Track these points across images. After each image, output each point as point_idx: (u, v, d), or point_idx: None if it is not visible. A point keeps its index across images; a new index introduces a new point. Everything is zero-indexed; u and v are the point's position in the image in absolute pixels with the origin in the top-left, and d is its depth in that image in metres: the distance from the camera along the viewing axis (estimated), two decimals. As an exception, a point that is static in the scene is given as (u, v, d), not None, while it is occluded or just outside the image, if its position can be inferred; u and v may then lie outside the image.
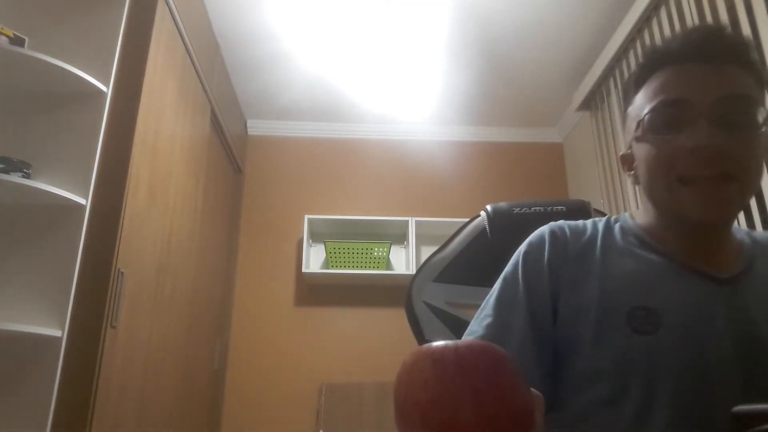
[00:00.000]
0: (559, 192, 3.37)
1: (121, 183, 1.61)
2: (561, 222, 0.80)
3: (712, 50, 0.68)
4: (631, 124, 0.75)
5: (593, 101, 2.94)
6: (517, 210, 1.06)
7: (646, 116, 0.69)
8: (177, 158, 2.09)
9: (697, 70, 0.68)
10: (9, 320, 1.39)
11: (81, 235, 1.51)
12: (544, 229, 0.80)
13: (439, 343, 0.41)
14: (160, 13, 1.86)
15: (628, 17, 2.45)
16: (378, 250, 3.01)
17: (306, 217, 3.11)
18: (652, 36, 2.36)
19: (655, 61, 0.72)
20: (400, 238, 3.17)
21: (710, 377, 0.64)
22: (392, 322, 2.96)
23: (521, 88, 3.08)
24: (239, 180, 3.29)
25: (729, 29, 0.71)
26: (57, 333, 1.41)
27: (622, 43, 2.51)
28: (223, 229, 2.93)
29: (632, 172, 0.77)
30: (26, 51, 1.54)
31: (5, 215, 1.52)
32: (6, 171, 1.45)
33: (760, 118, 0.66)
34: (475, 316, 0.76)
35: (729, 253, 0.73)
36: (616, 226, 0.79)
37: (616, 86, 2.69)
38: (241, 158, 3.28)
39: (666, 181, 0.68)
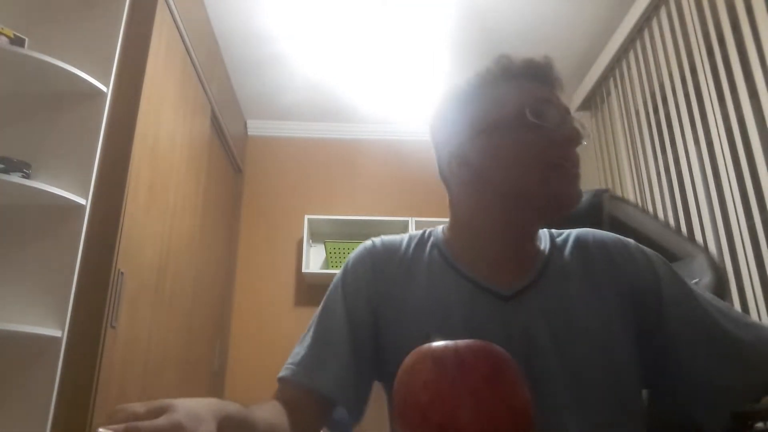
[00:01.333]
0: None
1: (121, 183, 1.61)
2: (381, 237, 0.84)
3: (553, 75, 0.78)
4: (472, 122, 0.75)
5: (593, 101, 2.93)
6: None
7: (523, 108, 0.72)
8: (177, 158, 2.09)
9: (545, 86, 0.76)
10: (9, 320, 1.39)
11: (81, 235, 1.51)
12: (366, 243, 0.83)
13: (439, 344, 0.41)
14: (160, 13, 1.86)
15: (628, 17, 2.45)
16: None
17: (306, 217, 3.11)
18: (651, 36, 2.36)
19: (501, 73, 0.78)
20: (400, 238, 3.16)
21: None
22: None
23: (521, 88, 3.08)
24: (239, 180, 3.29)
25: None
26: (57, 333, 1.41)
27: (622, 43, 2.51)
28: (223, 229, 2.93)
29: (461, 172, 0.76)
30: (26, 51, 1.54)
31: (5, 215, 1.52)
32: (6, 171, 1.45)
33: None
34: (301, 337, 0.79)
35: (527, 263, 0.75)
36: (429, 241, 0.81)
37: (616, 86, 2.69)
38: (241, 158, 3.28)
39: (540, 167, 0.70)
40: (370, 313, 0.75)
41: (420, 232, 0.84)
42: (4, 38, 1.52)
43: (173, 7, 1.98)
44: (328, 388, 0.70)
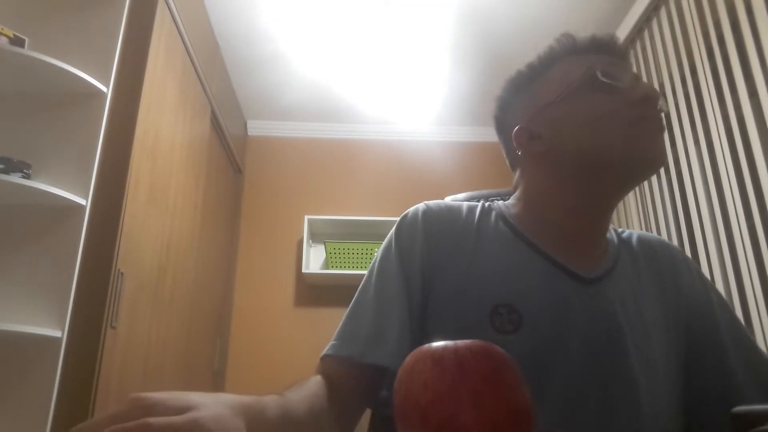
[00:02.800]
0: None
1: (121, 183, 1.61)
2: (436, 202, 0.80)
3: (618, 48, 0.74)
4: (544, 94, 0.73)
5: (593, 101, 2.93)
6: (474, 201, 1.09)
7: (593, 71, 0.69)
8: (177, 158, 2.09)
9: (614, 59, 0.73)
10: (9, 320, 1.39)
11: (81, 235, 1.51)
12: (418, 206, 0.79)
13: (439, 344, 0.41)
14: (160, 13, 1.86)
15: (627, 17, 2.45)
16: (378, 251, 3.00)
17: (306, 217, 3.11)
18: (651, 36, 2.36)
19: (564, 49, 0.75)
20: (400, 238, 3.16)
21: (569, 381, 0.64)
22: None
23: (521, 88, 3.08)
24: (239, 180, 3.29)
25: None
26: (57, 333, 1.41)
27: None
28: (223, 229, 2.93)
29: (532, 144, 0.74)
30: (26, 51, 1.54)
31: (5, 215, 1.52)
32: (6, 171, 1.45)
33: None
34: (354, 300, 0.75)
35: (601, 249, 0.73)
36: (493, 212, 0.77)
37: (616, 86, 2.69)
38: (241, 158, 3.28)
39: (622, 126, 0.67)
40: (423, 279, 0.70)
41: (477, 203, 0.80)
42: (4, 38, 1.52)
43: (173, 7, 1.98)
44: (387, 359, 0.64)
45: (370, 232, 3.17)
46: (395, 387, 0.41)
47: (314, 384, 0.62)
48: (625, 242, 0.77)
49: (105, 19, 1.71)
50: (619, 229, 0.80)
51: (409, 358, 0.42)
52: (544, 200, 0.73)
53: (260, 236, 3.24)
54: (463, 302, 0.67)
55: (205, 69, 2.42)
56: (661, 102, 0.69)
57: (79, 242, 1.51)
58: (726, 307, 0.74)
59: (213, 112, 2.60)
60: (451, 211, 0.77)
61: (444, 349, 0.40)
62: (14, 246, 1.51)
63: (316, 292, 3.12)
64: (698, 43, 2.04)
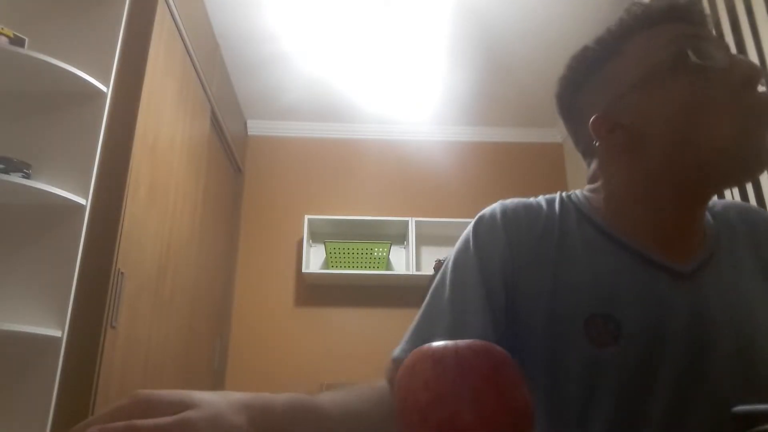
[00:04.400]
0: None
1: (121, 183, 1.61)
2: (513, 201, 0.72)
3: (695, 12, 0.66)
4: (621, 78, 0.65)
5: (593, 101, 2.93)
6: None
7: (683, 48, 0.61)
8: (177, 158, 2.09)
9: (696, 28, 0.65)
10: (9, 320, 1.39)
11: (81, 235, 1.51)
12: (495, 206, 0.72)
13: (439, 344, 0.41)
14: (160, 13, 1.86)
15: (628, 17, 2.45)
16: (378, 251, 3.01)
17: (306, 217, 3.11)
18: (652, 36, 2.36)
19: (637, 21, 0.66)
20: (400, 239, 3.17)
21: (678, 387, 0.59)
22: (392, 322, 2.96)
23: (521, 88, 3.08)
24: (239, 180, 3.29)
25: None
26: (57, 333, 1.41)
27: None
28: (223, 229, 2.93)
29: (612, 135, 0.66)
30: (26, 51, 1.54)
31: (5, 215, 1.52)
32: (6, 171, 1.45)
33: None
34: (427, 301, 0.67)
35: (698, 234, 0.66)
36: (572, 209, 0.70)
37: (616, 86, 2.69)
38: (241, 158, 3.28)
39: (737, 116, 0.59)
40: (505, 284, 0.64)
41: (555, 197, 0.72)
42: (4, 38, 1.52)
43: (173, 7, 1.98)
44: None
45: (370, 232, 3.17)
46: (396, 387, 0.41)
47: (368, 387, 0.58)
48: (721, 218, 0.69)
49: (105, 19, 1.71)
50: (715, 202, 0.73)
51: (409, 358, 0.42)
52: (630, 195, 0.66)
53: (260, 236, 3.24)
54: (553, 312, 0.62)
55: (205, 69, 2.42)
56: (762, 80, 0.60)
57: (79, 242, 1.51)
58: None
59: (213, 112, 2.60)
60: (531, 210, 0.69)
61: (444, 348, 0.40)
62: (14, 246, 1.51)
63: (316, 292, 3.12)
64: (698, 43, 2.04)
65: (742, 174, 0.63)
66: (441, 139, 3.49)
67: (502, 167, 3.46)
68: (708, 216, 0.69)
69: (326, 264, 3.06)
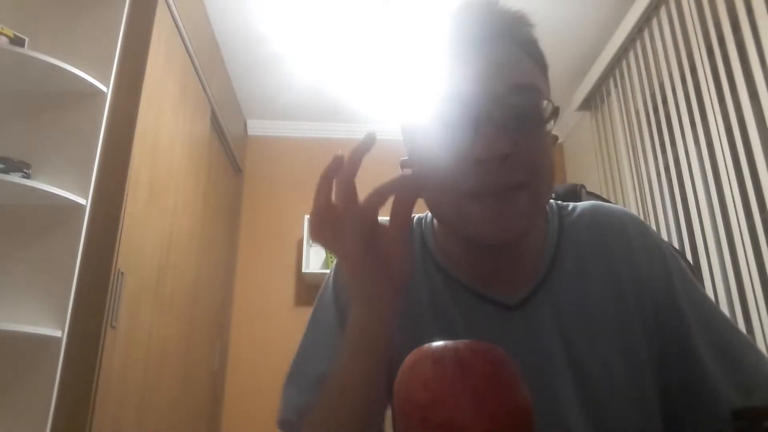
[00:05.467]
0: (559, 192, 3.38)
1: (121, 183, 1.61)
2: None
3: (488, 29, 0.56)
4: (406, 130, 0.65)
5: (593, 101, 2.94)
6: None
7: (420, 124, 0.58)
8: (177, 158, 2.10)
9: (474, 58, 0.55)
10: (9, 320, 1.39)
11: (81, 235, 1.51)
12: None
13: (439, 344, 0.41)
14: (160, 13, 1.86)
15: (628, 17, 2.45)
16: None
17: (306, 217, 3.11)
18: (651, 36, 2.36)
19: (428, 53, 0.61)
20: (400, 238, 3.16)
21: None
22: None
23: (521, 88, 3.08)
24: (239, 180, 3.29)
25: (500, 4, 0.58)
26: (57, 333, 1.41)
27: (622, 43, 2.51)
28: (223, 229, 2.93)
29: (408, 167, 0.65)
30: (26, 51, 1.54)
31: (5, 215, 1.52)
32: (6, 171, 1.45)
33: (546, 112, 0.55)
34: (301, 340, 0.72)
35: (525, 264, 0.63)
36: (417, 234, 0.68)
37: (616, 86, 2.69)
38: (241, 158, 3.28)
39: (453, 200, 0.56)
40: None
41: (415, 218, 0.70)
42: (4, 38, 1.52)
43: (173, 7, 1.98)
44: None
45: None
46: (395, 387, 0.41)
47: None
48: (569, 233, 0.65)
49: (105, 19, 1.71)
50: (575, 207, 0.68)
51: (409, 358, 0.42)
52: (446, 236, 0.65)
53: (260, 236, 3.24)
54: (402, 343, 0.62)
55: (205, 69, 2.42)
56: (514, 156, 0.52)
57: (79, 242, 1.51)
58: (690, 286, 0.63)
59: (213, 112, 2.60)
60: None
61: (444, 348, 0.40)
62: (14, 246, 1.51)
63: (316, 292, 3.09)
64: (698, 43, 2.04)
65: (472, 247, 0.61)
66: (441, 139, 3.49)
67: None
68: (555, 224, 0.66)
69: (326, 264, 3.06)
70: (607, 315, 0.60)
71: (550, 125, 0.56)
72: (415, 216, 0.71)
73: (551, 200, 0.69)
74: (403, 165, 0.65)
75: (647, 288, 0.62)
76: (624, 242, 0.64)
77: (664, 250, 0.65)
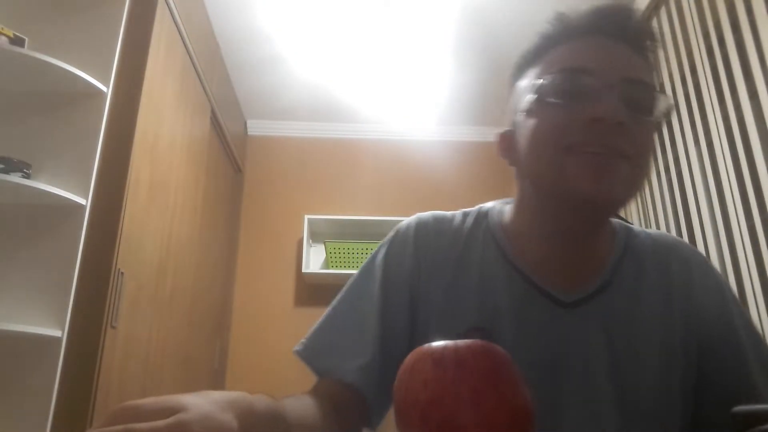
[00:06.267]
0: (559, 192, 3.38)
1: (121, 183, 1.61)
2: (431, 213, 0.75)
3: (623, 30, 0.62)
4: (518, 99, 0.66)
5: (593, 101, 2.93)
6: None
7: (541, 83, 0.61)
8: (177, 158, 2.09)
9: (606, 45, 0.61)
10: (9, 320, 1.39)
11: (81, 235, 1.51)
12: (411, 218, 0.75)
13: (439, 343, 0.41)
14: (160, 13, 1.86)
15: (628, 17, 2.44)
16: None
17: (306, 217, 3.11)
18: (652, 36, 2.36)
19: (560, 32, 0.64)
20: (400, 238, 3.16)
21: (541, 409, 0.60)
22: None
23: (521, 88, 3.08)
24: (239, 180, 3.29)
25: (640, 13, 0.65)
26: (57, 333, 1.41)
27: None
28: (223, 229, 2.93)
29: (509, 153, 0.68)
30: (26, 51, 1.54)
31: (5, 215, 1.52)
32: (6, 171, 1.45)
33: (657, 110, 0.61)
34: (334, 302, 0.73)
35: (590, 268, 0.65)
36: (483, 224, 0.71)
37: (616, 86, 2.69)
38: (241, 158, 3.28)
39: (553, 152, 0.59)
40: (411, 295, 0.68)
41: (476, 209, 0.74)
42: (4, 38, 1.52)
43: (173, 7, 1.98)
44: (349, 377, 0.62)
45: (370, 232, 3.17)
46: (395, 386, 0.41)
47: (310, 400, 0.60)
48: (635, 252, 0.68)
49: (105, 19, 1.71)
50: (643, 232, 0.72)
51: (409, 358, 0.42)
52: (523, 217, 0.68)
53: (260, 236, 3.24)
54: (443, 321, 0.65)
55: (205, 69, 2.42)
56: (617, 120, 0.56)
57: (79, 242, 1.50)
58: (747, 323, 0.67)
59: (213, 112, 2.60)
60: (442, 223, 0.72)
61: (444, 348, 0.40)
62: (14, 246, 1.51)
63: (316, 292, 3.12)
64: (698, 43, 2.04)
65: (575, 210, 0.60)
66: (441, 139, 3.49)
67: (503, 167, 3.43)
68: (622, 244, 0.68)
69: (326, 264, 3.06)
70: (652, 338, 0.63)
71: (658, 116, 0.61)
72: (478, 207, 0.75)
73: (620, 221, 0.73)
74: (502, 138, 0.69)
75: (700, 322, 0.65)
76: (685, 275, 0.67)
77: (725, 290, 0.69)
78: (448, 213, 0.75)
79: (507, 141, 0.68)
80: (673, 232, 2.22)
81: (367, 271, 0.72)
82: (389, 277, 0.69)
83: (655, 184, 2.34)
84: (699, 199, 2.04)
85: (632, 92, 0.58)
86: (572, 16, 0.64)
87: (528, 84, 0.65)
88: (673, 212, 2.24)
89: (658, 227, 2.28)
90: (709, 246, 1.97)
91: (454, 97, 3.18)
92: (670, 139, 2.25)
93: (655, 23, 2.33)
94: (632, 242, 0.69)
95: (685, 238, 2.13)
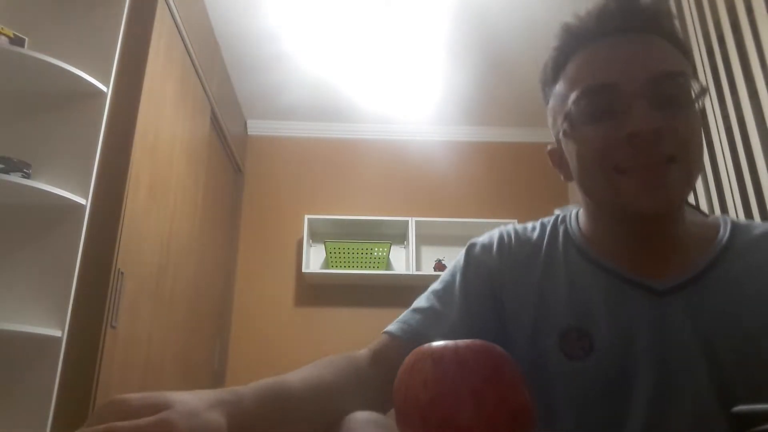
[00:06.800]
0: (559, 192, 3.37)
1: (121, 183, 1.61)
2: (511, 226, 0.78)
3: (633, 21, 0.61)
4: (556, 118, 0.67)
5: (593, 101, 2.93)
6: None
7: (571, 108, 0.61)
8: (177, 158, 2.09)
9: (621, 46, 0.60)
10: (9, 320, 1.39)
11: (81, 235, 1.51)
12: (494, 233, 0.77)
13: (439, 343, 0.41)
14: (160, 13, 1.86)
15: (628, 17, 2.44)
16: (378, 250, 3.01)
17: (306, 217, 3.11)
18: (652, 36, 2.36)
19: (571, 43, 0.65)
20: (400, 238, 3.17)
21: (650, 404, 0.58)
22: (392, 322, 2.96)
23: (521, 88, 3.08)
24: (239, 180, 3.29)
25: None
26: (57, 333, 1.41)
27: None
28: (223, 229, 2.93)
29: (562, 169, 0.70)
30: (26, 51, 1.54)
31: (5, 215, 1.52)
32: (6, 171, 1.45)
33: (694, 93, 0.59)
34: (425, 294, 0.74)
35: (684, 253, 0.64)
36: (561, 229, 0.73)
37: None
38: (241, 158, 3.28)
39: (602, 174, 0.60)
40: (494, 299, 0.69)
41: (552, 219, 0.76)
42: (4, 38, 1.52)
43: (173, 7, 1.98)
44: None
45: (370, 232, 3.17)
46: (395, 386, 0.41)
47: (342, 357, 0.61)
48: (740, 244, 0.65)
49: (105, 19, 1.71)
50: (747, 223, 0.68)
51: (409, 358, 0.42)
52: (594, 222, 0.69)
53: (260, 236, 3.24)
54: (535, 327, 0.66)
55: (205, 69, 2.42)
56: (665, 130, 0.56)
57: (79, 242, 1.50)
58: None
59: (213, 112, 2.60)
60: (522, 234, 0.75)
61: (444, 348, 0.40)
62: (14, 246, 1.51)
63: (316, 292, 3.12)
64: (698, 43, 2.04)
65: (624, 225, 0.63)
66: (441, 139, 3.49)
67: (502, 167, 3.46)
68: (725, 235, 0.65)
69: (326, 264, 3.06)
70: (749, 332, 0.59)
71: (698, 105, 0.60)
72: (555, 215, 0.77)
73: (729, 218, 0.71)
74: (551, 153, 0.72)
75: None
76: None
77: None
78: (528, 225, 0.77)
79: (556, 156, 0.70)
80: (673, 232, 2.21)
81: (449, 276, 0.74)
82: (469, 282, 0.71)
83: (655, 184, 2.34)
84: (699, 199, 2.04)
85: (661, 90, 0.58)
86: (579, 23, 0.64)
87: (556, 106, 0.66)
88: (673, 212, 2.24)
89: (658, 227, 2.28)
90: (709, 246, 1.97)
91: (454, 97, 3.18)
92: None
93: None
94: (739, 236, 0.66)
95: (685, 238, 2.13)
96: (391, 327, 0.69)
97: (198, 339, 2.43)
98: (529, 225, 0.77)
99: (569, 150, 0.65)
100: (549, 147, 0.72)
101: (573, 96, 0.61)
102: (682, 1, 2.13)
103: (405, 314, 0.71)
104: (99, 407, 0.37)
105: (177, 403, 0.37)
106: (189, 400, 0.38)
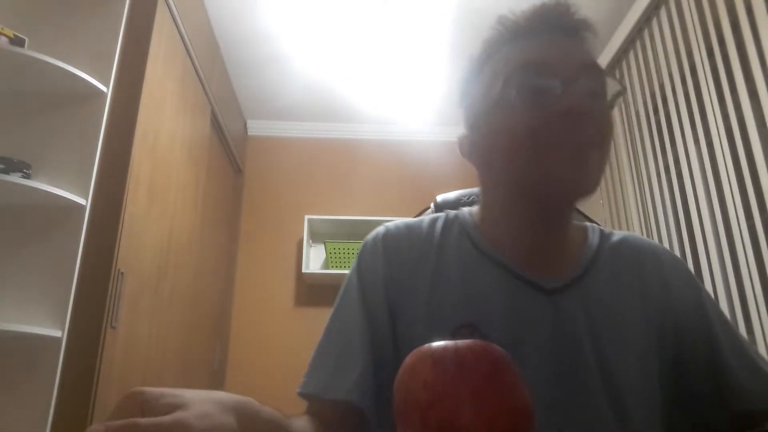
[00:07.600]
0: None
1: (121, 183, 1.61)
2: (398, 222, 0.76)
3: (566, 22, 0.64)
4: (475, 101, 0.68)
5: (593, 101, 2.93)
6: (465, 199, 0.98)
7: (505, 81, 0.62)
8: (177, 158, 2.09)
9: (556, 39, 0.63)
10: (9, 320, 1.39)
11: (81, 235, 1.51)
12: (379, 229, 0.76)
13: (439, 344, 0.41)
14: (160, 14, 1.86)
15: (628, 17, 2.45)
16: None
17: (306, 217, 3.11)
18: (651, 36, 2.36)
19: (505, 35, 0.67)
20: (400, 238, 3.16)
21: (536, 396, 0.60)
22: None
23: (521, 88, 3.08)
24: (239, 180, 3.29)
25: (574, 6, 0.66)
26: (57, 333, 1.41)
27: (622, 43, 2.51)
28: (223, 229, 2.93)
29: (473, 157, 0.70)
30: (26, 51, 1.54)
31: (5, 215, 1.52)
32: (6, 171, 1.45)
33: (611, 95, 0.63)
34: (325, 327, 0.72)
35: (571, 254, 0.68)
36: (455, 224, 0.73)
37: (616, 86, 2.69)
38: (241, 158, 3.28)
39: (532, 151, 0.60)
40: (389, 306, 0.68)
41: (441, 215, 0.75)
42: (4, 38, 1.52)
43: (173, 7, 1.98)
44: (344, 395, 0.61)
45: (370, 232, 3.16)
46: (395, 387, 0.41)
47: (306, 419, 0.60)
48: (609, 247, 0.71)
49: (105, 19, 1.71)
50: (614, 232, 0.75)
51: (409, 358, 0.42)
52: (494, 212, 0.70)
53: (260, 236, 3.24)
54: (427, 326, 0.65)
55: (205, 69, 2.42)
56: (595, 116, 0.59)
57: (79, 242, 1.50)
58: (720, 313, 0.70)
59: (213, 112, 2.60)
60: (411, 231, 0.73)
61: (444, 349, 0.40)
62: (14, 246, 1.50)
63: (316, 292, 3.12)
64: (698, 43, 2.04)
65: (555, 201, 0.64)
66: (441, 139, 3.49)
67: (502, 167, 3.45)
68: (596, 241, 0.71)
69: (326, 264, 3.06)
70: (631, 322, 0.65)
71: (613, 100, 0.63)
72: (445, 213, 0.76)
73: (590, 222, 0.77)
74: (462, 141, 0.73)
75: (675, 306, 0.68)
76: (657, 265, 0.71)
77: (694, 277, 0.73)
78: (416, 220, 0.76)
79: (467, 143, 0.71)
80: (673, 233, 2.22)
81: (345, 292, 0.73)
82: (365, 290, 0.70)
83: (655, 184, 2.34)
84: (699, 199, 2.04)
85: (590, 81, 0.61)
86: (515, 18, 0.67)
87: (486, 84, 0.66)
88: (673, 212, 2.24)
89: (658, 227, 2.28)
90: (709, 246, 1.97)
91: (454, 97, 3.17)
92: (670, 139, 2.25)
93: (654, 23, 2.33)
94: (605, 239, 0.72)
95: (685, 238, 2.13)
96: (300, 387, 0.66)
97: (198, 339, 2.43)
98: (416, 219, 0.76)
99: (493, 130, 0.64)
100: (458, 136, 0.72)
101: (508, 71, 0.62)
102: (682, 1, 2.13)
103: (313, 363, 0.68)
104: (121, 399, 0.37)
105: (193, 404, 0.37)
106: (204, 400, 0.39)
